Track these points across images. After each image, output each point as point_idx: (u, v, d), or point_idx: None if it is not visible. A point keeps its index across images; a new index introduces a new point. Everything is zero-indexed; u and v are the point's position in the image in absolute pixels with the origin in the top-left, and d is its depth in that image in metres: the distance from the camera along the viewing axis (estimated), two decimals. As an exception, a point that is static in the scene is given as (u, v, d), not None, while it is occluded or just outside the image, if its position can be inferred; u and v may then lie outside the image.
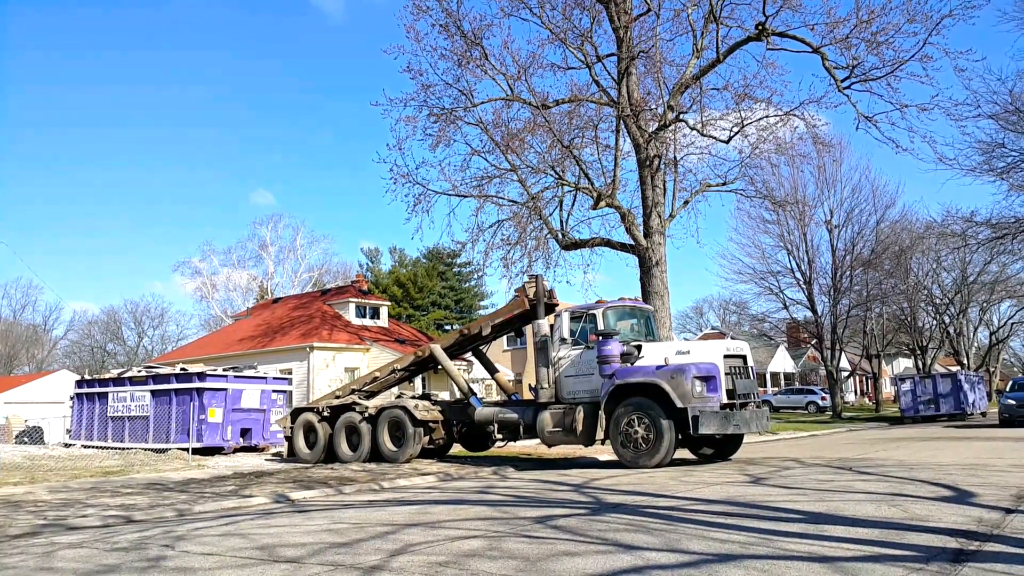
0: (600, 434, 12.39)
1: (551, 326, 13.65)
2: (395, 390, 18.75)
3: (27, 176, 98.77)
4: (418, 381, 29.00)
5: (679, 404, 11.50)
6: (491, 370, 16.75)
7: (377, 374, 16.74)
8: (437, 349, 15.86)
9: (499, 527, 6.54)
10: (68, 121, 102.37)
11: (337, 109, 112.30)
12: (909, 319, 46.62)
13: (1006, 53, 68.38)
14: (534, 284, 14.63)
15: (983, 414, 35.75)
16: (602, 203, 20.92)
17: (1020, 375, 42.19)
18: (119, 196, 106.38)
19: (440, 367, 16.18)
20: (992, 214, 27.96)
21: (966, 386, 33.45)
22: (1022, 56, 71.99)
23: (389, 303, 42.54)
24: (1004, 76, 49.98)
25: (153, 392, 20.11)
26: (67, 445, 22.23)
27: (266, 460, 17.20)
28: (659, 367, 11.95)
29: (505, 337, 40.92)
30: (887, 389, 59.96)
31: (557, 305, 14.94)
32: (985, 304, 49.73)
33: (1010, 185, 25.82)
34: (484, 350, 16.78)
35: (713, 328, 69.28)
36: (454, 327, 46.93)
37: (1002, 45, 78.85)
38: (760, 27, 18.87)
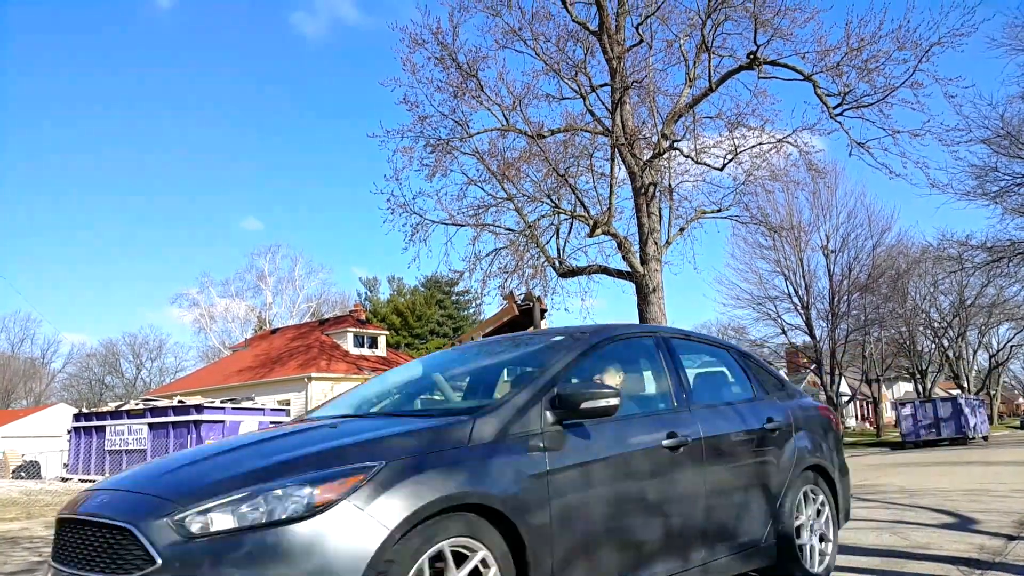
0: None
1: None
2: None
3: (16, 206, 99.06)
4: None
5: (678, 431, 11.44)
6: None
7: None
8: None
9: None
10: (54, 147, 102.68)
11: (326, 136, 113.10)
12: (908, 343, 46.65)
13: (996, 79, 69.26)
14: (525, 297, 14.82)
15: (985, 438, 35.61)
16: (598, 231, 20.98)
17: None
18: (103, 224, 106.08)
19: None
20: (987, 237, 28.16)
21: (967, 410, 33.41)
22: (1012, 81, 72.58)
23: (387, 332, 42.55)
24: (995, 101, 50.45)
25: (150, 425, 20.02)
26: (64, 479, 22.08)
27: (264, 493, 17.04)
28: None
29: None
30: (888, 414, 59.75)
31: (546, 311, 15.09)
32: (984, 327, 49.78)
33: (1004, 209, 26.04)
34: None
35: (712, 354, 69.05)
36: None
37: (992, 71, 79.73)
38: (752, 56, 19.11)
